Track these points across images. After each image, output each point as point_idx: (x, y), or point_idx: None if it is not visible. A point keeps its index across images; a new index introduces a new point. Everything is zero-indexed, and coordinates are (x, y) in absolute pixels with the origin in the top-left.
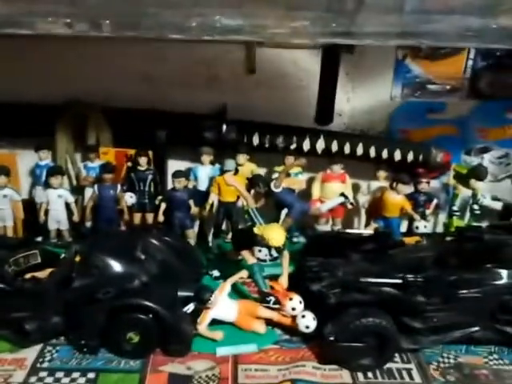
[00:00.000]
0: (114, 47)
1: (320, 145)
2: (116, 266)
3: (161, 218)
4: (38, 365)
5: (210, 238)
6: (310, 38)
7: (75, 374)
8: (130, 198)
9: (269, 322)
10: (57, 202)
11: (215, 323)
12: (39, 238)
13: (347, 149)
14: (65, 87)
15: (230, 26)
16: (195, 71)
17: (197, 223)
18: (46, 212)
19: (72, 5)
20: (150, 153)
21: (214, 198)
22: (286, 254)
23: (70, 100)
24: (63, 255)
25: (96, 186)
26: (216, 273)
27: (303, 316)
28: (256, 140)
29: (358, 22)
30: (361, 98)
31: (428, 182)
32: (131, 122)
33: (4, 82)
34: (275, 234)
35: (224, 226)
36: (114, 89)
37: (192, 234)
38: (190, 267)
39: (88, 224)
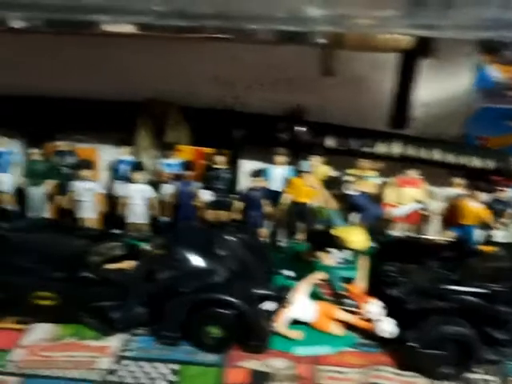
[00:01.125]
0: (192, 50)
1: (395, 149)
2: (198, 261)
3: (236, 216)
4: (121, 353)
5: (283, 237)
6: (394, 30)
7: (157, 364)
8: (206, 196)
9: (345, 325)
10: (137, 197)
11: (291, 323)
12: (118, 231)
13: (423, 154)
14: (146, 86)
15: (315, 17)
16: (271, 73)
17: (270, 223)
18: (126, 206)
19: None
20: (228, 152)
21: (287, 198)
22: (365, 257)
23: (150, 98)
24: (144, 248)
25: (175, 183)
26: (288, 272)
27: (382, 321)
28: (330, 142)
29: (445, 15)
30: (437, 103)
31: (505, 191)
32: (208, 122)
33: (88, 80)
34: (357, 237)
35: (296, 227)
36: (192, 89)
37: (265, 233)
38: (263, 265)
39: (166, 219)
